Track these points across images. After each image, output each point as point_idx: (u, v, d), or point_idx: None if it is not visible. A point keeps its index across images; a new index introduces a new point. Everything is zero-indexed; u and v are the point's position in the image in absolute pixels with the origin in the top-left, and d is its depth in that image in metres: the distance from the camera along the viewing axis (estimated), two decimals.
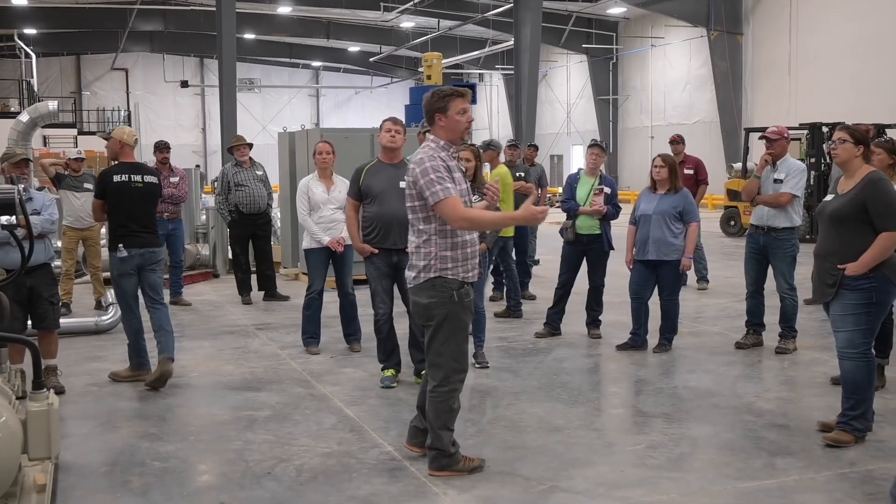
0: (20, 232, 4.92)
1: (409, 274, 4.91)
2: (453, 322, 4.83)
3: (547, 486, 4.81)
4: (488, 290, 10.33)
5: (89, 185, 10.04)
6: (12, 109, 29.89)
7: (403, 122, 7.19)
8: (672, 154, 10.24)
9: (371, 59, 42.17)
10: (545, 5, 26.29)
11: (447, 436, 4.94)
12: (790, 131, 8.20)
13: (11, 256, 6.43)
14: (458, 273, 4.82)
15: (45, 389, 4.17)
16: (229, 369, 7.63)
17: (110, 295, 9.52)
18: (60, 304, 7.83)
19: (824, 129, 17.73)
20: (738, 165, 20.00)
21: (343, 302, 8.22)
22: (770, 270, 7.92)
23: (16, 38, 35.26)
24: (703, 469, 5.08)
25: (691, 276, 11.17)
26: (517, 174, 10.98)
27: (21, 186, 4.60)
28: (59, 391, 6.61)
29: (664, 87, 34.49)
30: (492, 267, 10.58)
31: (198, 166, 38.79)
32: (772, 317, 8.13)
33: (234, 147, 11.16)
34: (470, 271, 4.89)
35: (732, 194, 19.45)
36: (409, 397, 6.56)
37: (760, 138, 8.10)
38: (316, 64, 48.91)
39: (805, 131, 18.37)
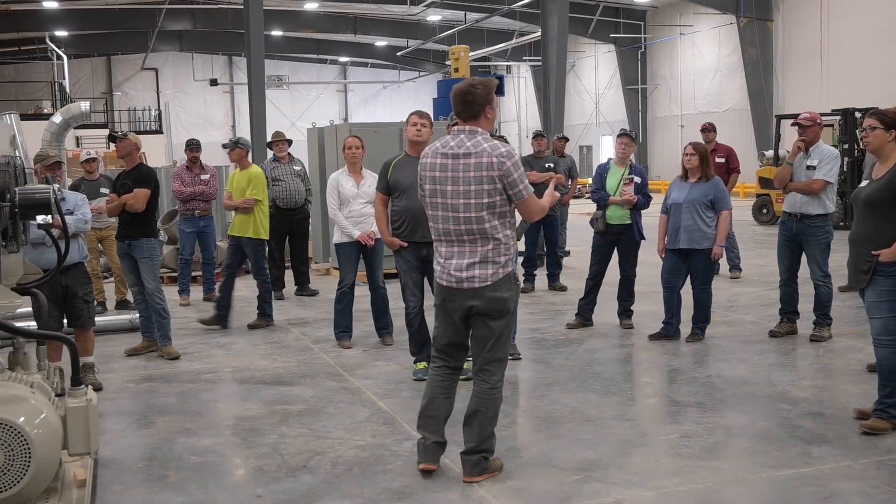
0: (54, 232, 4.99)
1: (481, 272, 4.62)
2: (516, 313, 4.87)
3: (581, 476, 4.81)
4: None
5: (105, 190, 10.16)
6: (45, 111, 30.20)
7: (431, 115, 7.19)
8: (703, 142, 10.16)
9: (398, 54, 42.17)
10: None
11: (494, 432, 4.86)
12: (822, 117, 8.12)
13: (47, 256, 6.53)
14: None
15: (83, 386, 4.24)
16: (263, 364, 7.69)
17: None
18: (95, 302, 7.97)
19: (857, 115, 17.52)
20: (770, 153, 19.81)
21: (374, 296, 8.25)
22: (804, 258, 7.86)
23: (47, 41, 35.63)
24: (738, 458, 5.06)
25: (724, 264, 11.10)
26: (546, 165, 10.96)
27: (56, 186, 4.64)
28: (97, 388, 6.70)
29: (693, 76, 34.20)
30: (524, 259, 10.59)
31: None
32: (806, 304, 8.06)
33: (274, 142, 11.27)
34: None
35: (764, 182, 19.27)
36: None
37: (793, 125, 8.02)
38: (343, 59, 48.98)
39: (838, 117, 18.16)
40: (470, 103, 4.68)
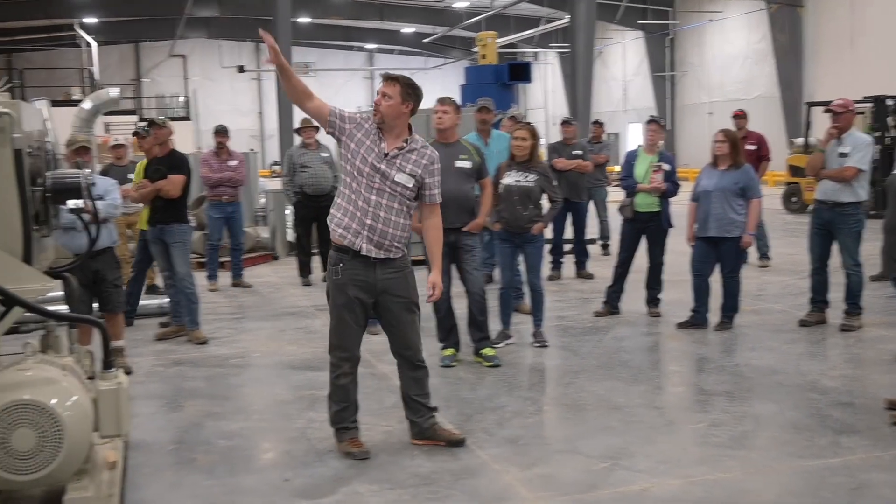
0: (85, 216, 5.02)
1: None
2: (332, 295, 4.95)
3: (608, 464, 4.80)
4: (546, 269, 10.30)
5: (132, 176, 10.15)
6: (74, 97, 30.40)
7: (458, 102, 7.16)
8: (735, 129, 10.07)
9: (425, 41, 42.07)
10: None
11: (330, 406, 5.09)
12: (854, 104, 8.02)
13: (77, 241, 6.57)
14: (345, 236, 4.84)
15: (113, 369, 4.27)
16: (291, 349, 7.73)
17: None
18: (125, 287, 8.04)
19: (889, 102, 17.29)
20: (800, 140, 19.62)
21: None
22: (835, 246, 7.78)
23: (76, 28, 35.86)
24: (766, 447, 5.03)
25: (753, 253, 11.01)
26: (574, 152, 10.91)
27: (86, 171, 4.67)
28: (127, 371, 6.75)
29: (722, 63, 33.85)
30: (551, 246, 10.55)
31: (252, 150, 39.05)
32: (836, 293, 7.99)
33: (302, 129, 11.29)
34: (359, 238, 4.82)
35: (794, 170, 19.10)
36: (468, 376, 6.58)
37: (825, 111, 7.94)
38: (370, 46, 48.96)
39: (869, 104, 17.94)
40: None
